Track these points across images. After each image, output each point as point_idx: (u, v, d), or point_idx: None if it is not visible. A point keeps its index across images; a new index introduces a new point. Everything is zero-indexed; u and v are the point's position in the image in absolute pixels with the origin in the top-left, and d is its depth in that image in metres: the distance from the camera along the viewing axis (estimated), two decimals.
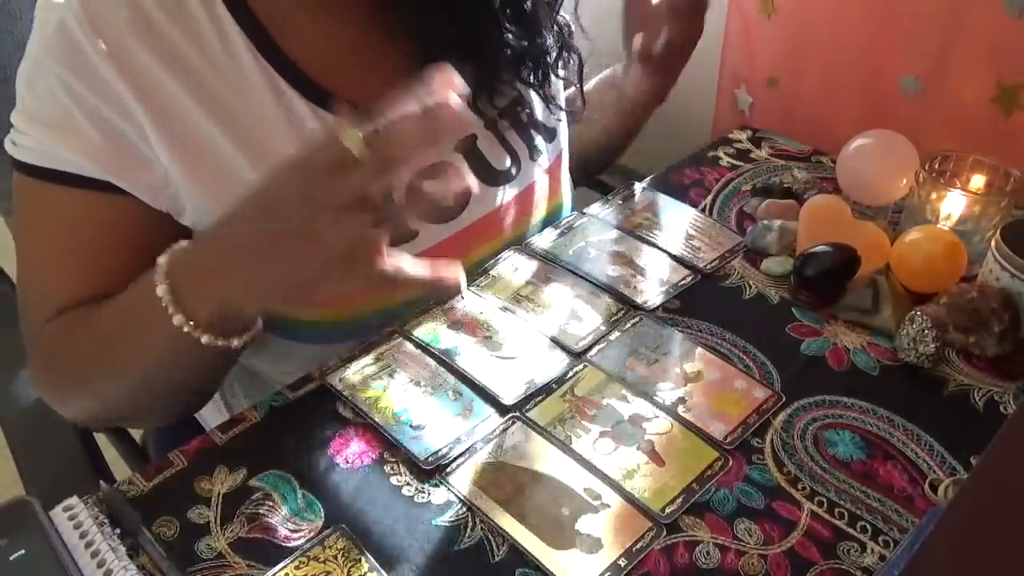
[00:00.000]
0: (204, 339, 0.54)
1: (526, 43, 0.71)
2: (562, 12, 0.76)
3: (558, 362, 0.65)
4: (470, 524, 0.54)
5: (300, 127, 0.65)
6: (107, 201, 0.62)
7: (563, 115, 0.82)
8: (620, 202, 0.85)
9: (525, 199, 0.78)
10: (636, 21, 0.80)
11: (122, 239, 0.65)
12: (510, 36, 0.70)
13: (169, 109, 0.61)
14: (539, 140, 0.79)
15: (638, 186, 0.87)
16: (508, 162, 0.77)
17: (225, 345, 0.56)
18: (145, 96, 0.60)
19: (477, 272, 0.74)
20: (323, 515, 0.54)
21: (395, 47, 0.68)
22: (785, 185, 0.87)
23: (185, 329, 0.54)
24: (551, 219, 0.82)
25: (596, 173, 1.00)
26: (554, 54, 0.75)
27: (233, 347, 0.56)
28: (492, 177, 0.75)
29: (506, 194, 0.76)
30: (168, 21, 0.61)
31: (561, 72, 0.77)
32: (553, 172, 0.81)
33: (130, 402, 0.65)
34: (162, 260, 0.55)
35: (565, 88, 0.84)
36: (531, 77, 0.75)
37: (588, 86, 0.87)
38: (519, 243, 0.78)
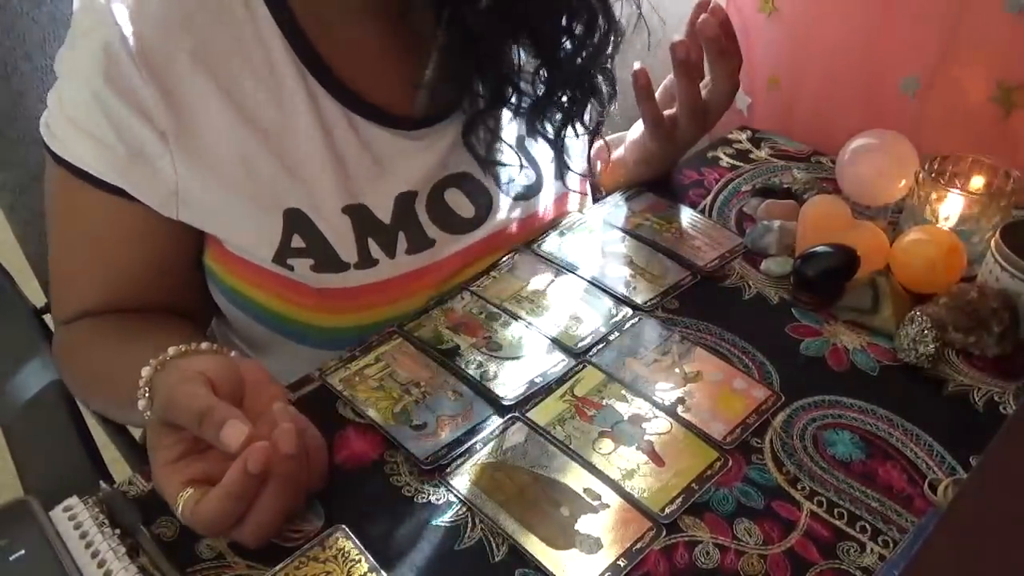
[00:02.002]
0: None
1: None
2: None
3: (558, 362, 0.65)
4: (470, 524, 0.54)
5: (329, 128, 0.66)
6: (123, 206, 0.63)
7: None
8: (620, 202, 0.85)
9: (546, 214, 0.79)
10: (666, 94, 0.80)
11: (138, 245, 0.66)
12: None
13: (198, 119, 0.61)
14: (563, 156, 0.79)
15: (638, 186, 0.87)
16: (531, 177, 0.77)
17: None
18: (175, 105, 0.61)
19: (477, 272, 0.74)
20: (323, 515, 0.54)
21: (423, 59, 0.68)
22: (785, 185, 0.87)
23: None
24: None
25: None
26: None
27: None
28: (513, 191, 0.76)
29: (526, 208, 0.77)
30: (209, 19, 0.61)
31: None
32: (575, 190, 0.82)
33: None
34: (145, 372, 0.56)
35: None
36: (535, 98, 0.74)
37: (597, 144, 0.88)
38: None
